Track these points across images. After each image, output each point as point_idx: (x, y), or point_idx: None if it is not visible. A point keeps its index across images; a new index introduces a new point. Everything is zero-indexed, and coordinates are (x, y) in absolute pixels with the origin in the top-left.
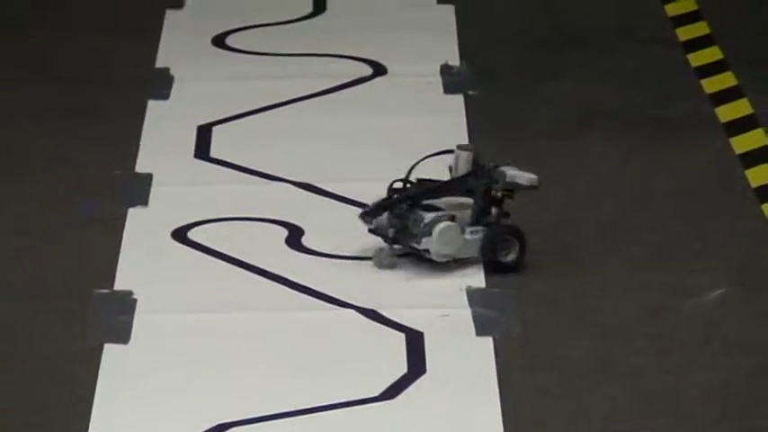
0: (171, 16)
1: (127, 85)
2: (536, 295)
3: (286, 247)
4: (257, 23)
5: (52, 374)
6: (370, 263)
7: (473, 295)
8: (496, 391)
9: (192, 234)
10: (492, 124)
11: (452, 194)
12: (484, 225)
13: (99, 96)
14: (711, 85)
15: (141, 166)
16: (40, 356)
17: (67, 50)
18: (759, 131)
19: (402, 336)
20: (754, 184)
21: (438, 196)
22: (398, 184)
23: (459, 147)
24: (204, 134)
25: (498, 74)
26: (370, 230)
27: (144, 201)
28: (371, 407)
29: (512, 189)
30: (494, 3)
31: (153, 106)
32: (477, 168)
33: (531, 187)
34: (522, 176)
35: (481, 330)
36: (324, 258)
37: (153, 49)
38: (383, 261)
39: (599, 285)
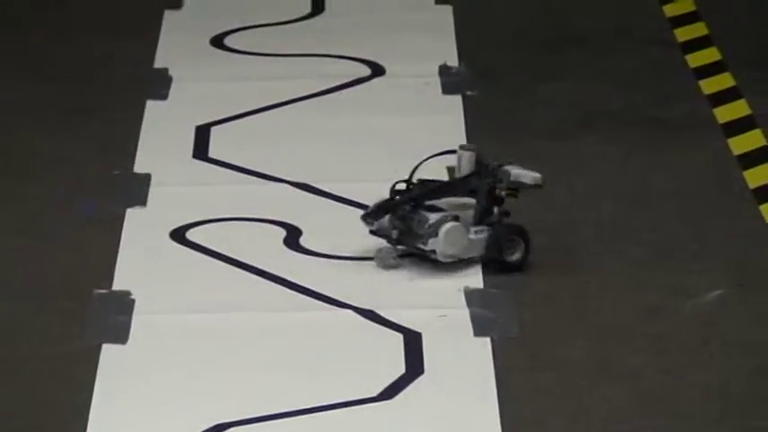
0: (169, 17)
1: (126, 85)
2: (536, 295)
3: (284, 247)
4: (256, 24)
5: (50, 374)
6: (368, 263)
7: (471, 296)
8: (494, 391)
9: (191, 234)
10: (491, 125)
11: (455, 195)
12: (487, 225)
13: (98, 96)
14: (710, 85)
15: (140, 167)
16: (39, 356)
17: (67, 51)
18: (757, 132)
19: (400, 336)
20: (753, 184)
21: (441, 197)
22: (401, 186)
23: (462, 147)
24: (203, 134)
25: (497, 74)
26: (372, 232)
27: (142, 201)
28: (369, 407)
29: (516, 188)
30: (492, 3)
31: (151, 106)
32: (480, 168)
33: (536, 186)
34: (527, 175)
35: (479, 331)
36: (322, 259)
37: (151, 50)
38: (387, 261)
39: (598, 285)
